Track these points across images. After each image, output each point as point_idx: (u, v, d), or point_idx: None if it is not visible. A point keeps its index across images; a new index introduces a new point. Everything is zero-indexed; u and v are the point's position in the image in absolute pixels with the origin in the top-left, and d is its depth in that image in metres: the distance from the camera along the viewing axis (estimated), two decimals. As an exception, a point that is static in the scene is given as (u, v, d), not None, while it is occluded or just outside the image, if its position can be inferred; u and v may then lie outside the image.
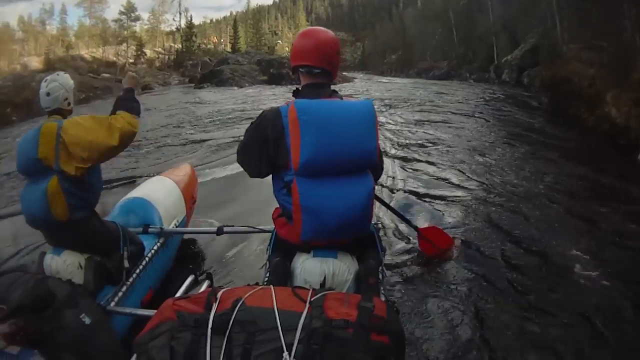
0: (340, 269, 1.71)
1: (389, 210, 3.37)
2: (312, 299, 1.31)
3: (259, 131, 1.70)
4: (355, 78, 32.66)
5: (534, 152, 7.36)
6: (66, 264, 2.29)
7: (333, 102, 1.69)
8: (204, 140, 9.21)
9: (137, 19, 45.86)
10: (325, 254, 1.72)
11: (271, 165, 1.71)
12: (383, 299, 1.82)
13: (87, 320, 1.92)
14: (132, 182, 5.72)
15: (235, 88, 25.07)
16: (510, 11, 28.02)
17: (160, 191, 3.56)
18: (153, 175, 4.42)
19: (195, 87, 27.02)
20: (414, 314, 2.77)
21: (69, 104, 2.33)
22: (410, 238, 3.80)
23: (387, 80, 30.16)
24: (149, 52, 46.52)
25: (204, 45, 50.30)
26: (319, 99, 1.68)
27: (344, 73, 33.63)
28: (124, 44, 43.26)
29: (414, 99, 16.97)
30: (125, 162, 7.30)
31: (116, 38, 43.43)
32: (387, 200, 4.04)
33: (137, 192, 3.47)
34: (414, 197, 5.13)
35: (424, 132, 9.45)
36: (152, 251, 2.93)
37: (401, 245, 3.77)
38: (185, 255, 3.65)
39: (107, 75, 29.63)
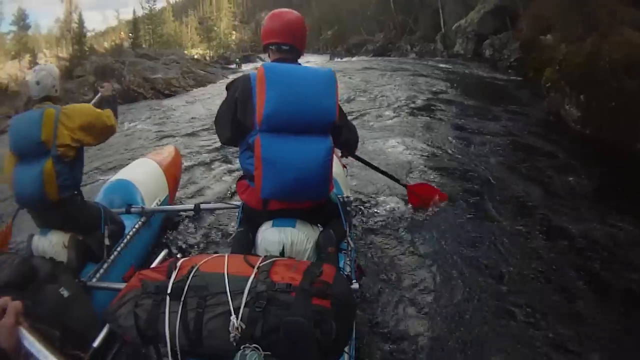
0: (298, 238, 1.73)
1: (377, 173, 3.31)
2: (260, 265, 1.35)
3: (229, 96, 1.83)
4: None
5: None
6: (52, 244, 2.38)
7: (297, 65, 1.85)
8: None
9: (28, 27, 37.53)
10: (283, 223, 1.76)
11: (239, 130, 1.80)
12: (347, 269, 1.95)
13: (65, 294, 2.03)
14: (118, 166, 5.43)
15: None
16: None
17: (142, 172, 3.63)
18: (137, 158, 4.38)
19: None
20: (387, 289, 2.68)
21: (56, 90, 2.49)
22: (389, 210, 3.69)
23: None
24: (52, 60, 37.78)
25: (114, 43, 41.20)
26: None
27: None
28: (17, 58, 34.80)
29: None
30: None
31: (9, 52, 35.79)
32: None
33: (120, 175, 3.55)
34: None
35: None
36: (134, 229, 3.01)
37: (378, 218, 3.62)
38: (167, 233, 3.65)
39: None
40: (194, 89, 16.56)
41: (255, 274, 1.29)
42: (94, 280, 2.42)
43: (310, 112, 1.66)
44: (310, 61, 25.89)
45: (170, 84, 16.26)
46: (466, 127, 6.49)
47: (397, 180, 3.37)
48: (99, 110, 2.52)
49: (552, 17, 10.01)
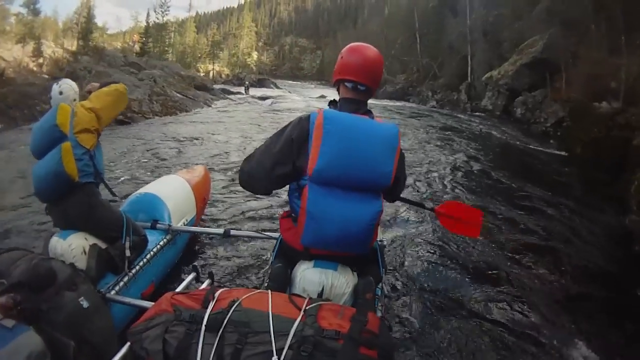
0: (339, 281, 1.67)
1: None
2: (307, 307, 1.33)
3: (283, 134, 1.68)
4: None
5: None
6: (71, 248, 2.30)
7: (361, 118, 1.64)
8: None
9: (37, 12, 35.97)
10: (325, 265, 1.69)
11: (285, 175, 1.68)
12: (379, 314, 1.86)
13: (85, 304, 1.94)
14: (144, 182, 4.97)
15: None
16: (495, 14, 20.10)
17: (171, 189, 3.45)
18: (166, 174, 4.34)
19: None
20: (412, 331, 2.67)
21: (75, 102, 2.54)
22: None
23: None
24: (59, 51, 36.41)
25: (126, 44, 40.45)
26: (353, 114, 1.66)
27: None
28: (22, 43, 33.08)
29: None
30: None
31: (15, 36, 33.77)
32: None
33: (148, 188, 3.37)
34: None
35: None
36: (158, 246, 2.89)
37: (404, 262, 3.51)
38: (191, 254, 3.51)
39: None
40: (157, 117, 12.86)
41: (302, 317, 1.28)
42: (113, 292, 2.34)
43: (364, 175, 1.56)
44: (326, 95, 24.41)
45: (128, 108, 11.93)
46: (500, 216, 4.54)
47: (421, 205, 2.58)
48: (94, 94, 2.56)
49: (615, 81, 7.78)
